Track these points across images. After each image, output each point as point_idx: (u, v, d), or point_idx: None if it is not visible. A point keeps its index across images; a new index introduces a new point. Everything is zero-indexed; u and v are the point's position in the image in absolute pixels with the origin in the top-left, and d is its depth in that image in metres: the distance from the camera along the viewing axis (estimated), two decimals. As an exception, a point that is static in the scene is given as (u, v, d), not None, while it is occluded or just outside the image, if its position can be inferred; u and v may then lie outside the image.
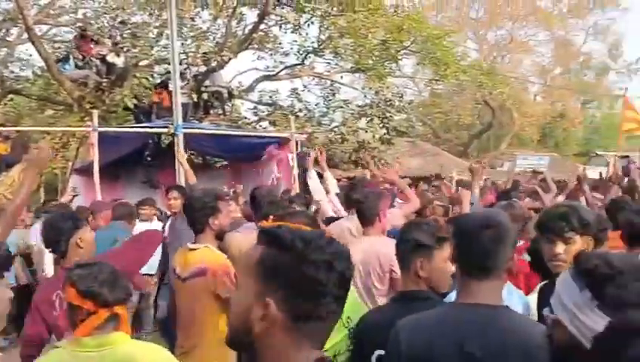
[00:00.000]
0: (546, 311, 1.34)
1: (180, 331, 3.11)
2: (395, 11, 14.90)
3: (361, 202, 3.64)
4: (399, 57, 15.59)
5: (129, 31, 12.37)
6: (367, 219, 3.59)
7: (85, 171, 8.61)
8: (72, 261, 2.73)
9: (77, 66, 11.07)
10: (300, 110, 14.54)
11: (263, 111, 15.18)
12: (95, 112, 8.14)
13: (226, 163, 11.56)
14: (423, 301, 2.04)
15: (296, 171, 8.52)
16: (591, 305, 1.20)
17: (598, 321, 1.18)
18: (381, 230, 3.63)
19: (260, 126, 14.31)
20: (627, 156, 20.30)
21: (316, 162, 6.24)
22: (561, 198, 5.69)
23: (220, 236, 3.14)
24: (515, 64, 31.95)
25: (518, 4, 30.83)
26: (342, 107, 14.64)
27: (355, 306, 2.32)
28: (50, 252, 3.16)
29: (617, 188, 6.20)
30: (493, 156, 28.31)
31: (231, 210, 4.57)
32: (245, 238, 3.06)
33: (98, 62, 11.05)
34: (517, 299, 2.58)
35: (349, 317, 2.23)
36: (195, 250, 3.04)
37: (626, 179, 7.53)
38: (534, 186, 6.41)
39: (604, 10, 31.28)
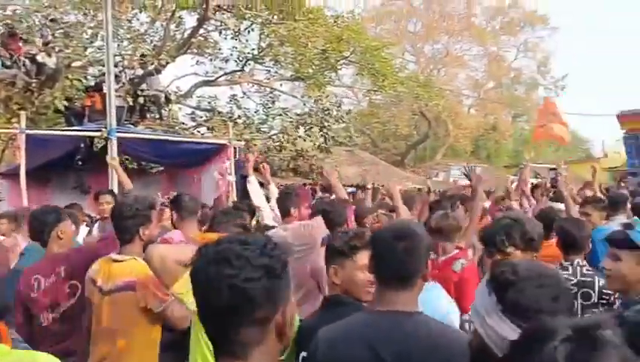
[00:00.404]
0: (465, 317, 1.41)
1: (96, 344, 2.85)
2: (335, 22, 15.10)
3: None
4: (339, 67, 15.82)
5: (61, 30, 11.95)
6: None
7: (11, 175, 8.24)
8: (52, 250, 3.20)
9: (4, 65, 10.56)
10: (239, 117, 14.47)
11: (201, 117, 15.00)
12: (23, 114, 7.80)
13: (161, 168, 11.31)
14: (346, 306, 2.07)
15: (233, 178, 8.45)
16: (496, 309, 1.28)
17: (503, 326, 1.25)
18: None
19: (198, 132, 14.12)
20: (555, 168, 21.39)
21: (257, 171, 6.22)
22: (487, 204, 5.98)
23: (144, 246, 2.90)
24: (450, 77, 32.99)
25: (454, 19, 31.98)
26: (281, 115, 14.69)
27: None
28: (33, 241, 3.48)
29: (546, 198, 6.52)
30: (429, 166, 29.10)
31: (165, 218, 4.50)
32: (168, 250, 2.83)
33: (27, 61, 10.58)
34: (445, 305, 2.64)
35: None
36: (120, 261, 2.81)
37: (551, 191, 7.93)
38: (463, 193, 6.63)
39: (534, 28, 32.92)
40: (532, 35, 33.30)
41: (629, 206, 5.44)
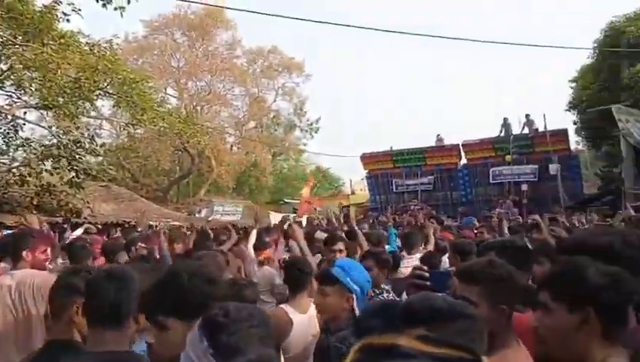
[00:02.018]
0: None
1: None
2: (91, 50, 14.21)
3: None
4: (94, 97, 14.85)
5: None
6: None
7: None
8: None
9: None
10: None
11: None
12: None
13: None
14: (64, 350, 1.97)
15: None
16: (207, 353, 1.27)
17: None
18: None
19: None
20: (347, 206, 23.09)
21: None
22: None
23: None
24: (213, 115, 33.53)
25: (217, 59, 32.74)
26: (24, 146, 13.18)
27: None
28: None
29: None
30: (192, 202, 28.90)
31: None
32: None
33: None
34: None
35: None
36: None
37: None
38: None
39: (291, 74, 35.40)
40: (289, 80, 35.78)
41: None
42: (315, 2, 69.07)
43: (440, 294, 1.82)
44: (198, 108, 32.93)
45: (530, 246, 3.85)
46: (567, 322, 1.56)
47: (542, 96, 65.42)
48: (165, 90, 31.26)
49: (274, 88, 35.73)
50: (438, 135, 23.37)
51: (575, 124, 21.64)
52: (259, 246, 5.85)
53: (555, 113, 61.74)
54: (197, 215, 22.78)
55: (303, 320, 3.43)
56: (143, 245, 5.90)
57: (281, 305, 3.62)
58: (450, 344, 0.53)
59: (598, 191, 19.93)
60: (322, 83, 79.82)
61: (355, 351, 0.54)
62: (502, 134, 21.81)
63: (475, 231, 8.00)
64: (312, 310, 3.38)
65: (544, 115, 20.27)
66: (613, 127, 17.44)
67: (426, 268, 2.56)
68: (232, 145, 34.20)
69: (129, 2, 11.16)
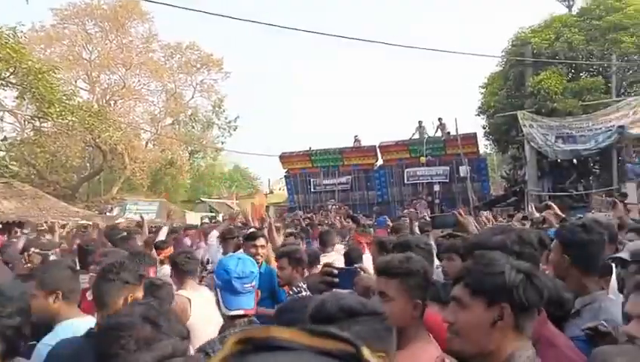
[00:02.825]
0: None
1: None
2: (-7, 37, 13.29)
3: None
4: (-5, 87, 13.91)
5: None
6: None
7: None
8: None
9: None
10: None
11: None
12: None
13: None
14: None
15: None
16: None
17: None
18: None
19: None
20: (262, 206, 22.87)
21: None
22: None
23: None
24: (127, 110, 32.28)
25: (132, 52, 31.57)
26: None
27: None
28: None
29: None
30: (104, 201, 27.71)
31: None
32: None
33: None
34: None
35: None
36: None
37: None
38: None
39: (210, 70, 34.70)
40: (208, 77, 35.06)
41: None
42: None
43: (349, 292, 1.83)
44: (112, 102, 31.60)
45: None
46: (483, 318, 1.58)
47: (454, 101, 68.30)
48: (76, 82, 29.77)
49: (192, 84, 34.92)
50: (356, 136, 23.80)
51: (484, 128, 22.70)
52: (159, 246, 5.74)
53: (466, 117, 64.78)
54: (108, 213, 21.88)
55: (200, 298, 3.76)
56: (36, 251, 5.61)
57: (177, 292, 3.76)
58: (332, 335, 0.52)
59: (504, 192, 21.01)
60: (242, 81, 79.18)
61: (233, 342, 0.51)
62: (416, 136, 22.51)
63: (389, 231, 8.18)
64: (206, 292, 3.82)
65: (455, 119, 21.11)
66: (519, 131, 18.47)
67: (336, 264, 2.57)
68: (147, 142, 33.06)
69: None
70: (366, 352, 0.52)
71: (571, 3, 21.66)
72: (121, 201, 25.13)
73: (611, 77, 18.39)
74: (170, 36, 43.14)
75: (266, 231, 5.45)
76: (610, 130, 16.53)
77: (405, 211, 15.44)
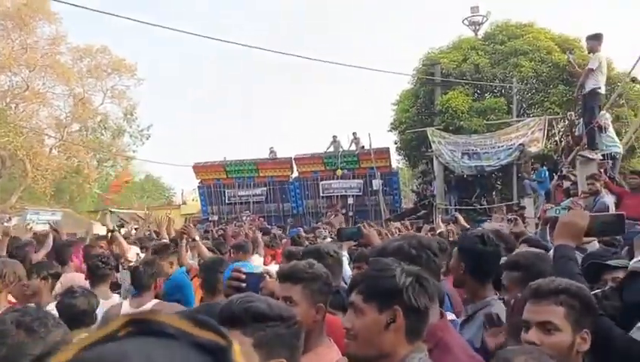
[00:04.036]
0: None
1: None
2: None
3: None
4: None
5: None
6: None
7: None
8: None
9: None
10: None
11: None
12: None
13: None
14: None
15: None
16: None
17: None
18: None
19: None
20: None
21: None
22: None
23: None
24: (30, 114, 30.46)
25: (37, 53, 29.94)
26: None
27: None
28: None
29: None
30: (2, 210, 25.95)
31: None
32: None
33: None
34: None
35: None
36: None
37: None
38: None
39: (122, 76, 33.47)
40: (119, 83, 33.80)
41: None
42: (152, 3, 66.72)
43: (259, 296, 1.83)
44: (12, 105, 29.72)
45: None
46: (377, 321, 1.63)
47: (368, 116, 70.01)
48: (-29, 82, 27.82)
49: (102, 90, 33.50)
50: (272, 148, 23.80)
51: (396, 143, 23.40)
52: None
53: (379, 133, 66.46)
54: (6, 223, 20.49)
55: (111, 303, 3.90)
56: None
57: None
58: (212, 327, 0.52)
59: (414, 205, 21.73)
60: (156, 88, 77.12)
61: (120, 324, 0.50)
62: (331, 150, 22.85)
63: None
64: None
65: (369, 134, 21.64)
66: (428, 147, 19.20)
67: (243, 269, 2.57)
68: (51, 148, 31.33)
69: None
70: (237, 350, 0.53)
71: (477, 27, 22.88)
72: (20, 210, 23.64)
73: (512, 98, 19.57)
74: (80, 39, 41.12)
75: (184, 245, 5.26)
76: (511, 147, 17.54)
77: (321, 223, 15.61)
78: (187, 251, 5.28)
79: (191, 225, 6.30)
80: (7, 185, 29.36)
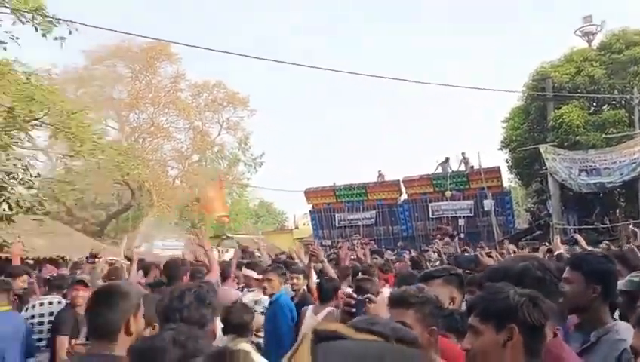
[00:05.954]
0: None
1: None
2: (28, 79, 13.88)
3: None
4: (29, 128, 14.44)
5: None
6: None
7: None
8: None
9: None
10: None
11: None
12: None
13: None
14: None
15: None
16: None
17: None
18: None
19: None
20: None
21: None
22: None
23: None
24: (155, 147, 33.01)
25: (161, 91, 32.49)
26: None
27: None
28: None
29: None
30: (132, 237, 28.12)
31: None
32: None
33: None
34: None
35: None
36: None
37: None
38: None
39: (236, 108, 35.43)
40: (234, 115, 35.78)
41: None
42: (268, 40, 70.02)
43: (382, 319, 1.95)
44: (140, 140, 32.38)
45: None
46: (495, 341, 1.71)
47: (476, 136, 68.16)
48: (106, 121, 30.65)
49: (218, 122, 35.62)
50: (380, 171, 23.95)
51: (507, 162, 22.66)
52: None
53: (489, 152, 64.51)
54: (135, 250, 22.19)
55: None
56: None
57: None
58: (373, 331, 0.74)
59: (529, 226, 20.80)
60: (267, 118, 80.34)
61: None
62: (439, 171, 22.56)
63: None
64: None
65: (478, 153, 21.24)
66: (542, 165, 18.41)
67: (355, 295, 2.69)
68: (174, 179, 33.65)
69: (70, 33, 11.09)
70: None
71: (591, 38, 21.74)
72: (147, 238, 25.49)
73: (634, 109, 18.31)
74: (197, 74, 44.18)
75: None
76: (635, 162, 16.40)
77: (430, 245, 15.38)
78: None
79: (319, 247, 6.91)
80: (136, 214, 31.84)
